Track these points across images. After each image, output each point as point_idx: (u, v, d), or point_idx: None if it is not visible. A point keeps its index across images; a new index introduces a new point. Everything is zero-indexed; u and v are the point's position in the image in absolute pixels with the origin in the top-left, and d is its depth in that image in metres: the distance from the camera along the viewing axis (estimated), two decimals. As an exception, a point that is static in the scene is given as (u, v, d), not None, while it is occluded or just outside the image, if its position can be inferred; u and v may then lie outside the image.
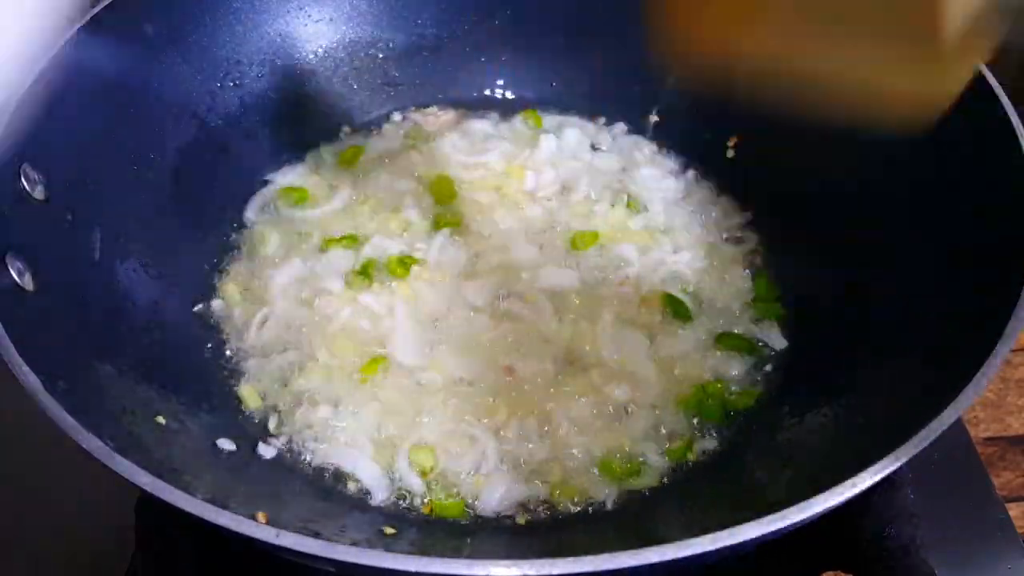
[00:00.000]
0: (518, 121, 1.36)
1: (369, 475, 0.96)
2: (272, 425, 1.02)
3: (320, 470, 0.98)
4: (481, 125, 1.35)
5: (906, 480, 0.87)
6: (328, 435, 1.00)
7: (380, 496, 0.95)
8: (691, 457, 0.99)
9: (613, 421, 1.00)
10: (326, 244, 1.19)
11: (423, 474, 0.96)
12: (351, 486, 0.96)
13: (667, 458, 0.98)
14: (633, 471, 0.96)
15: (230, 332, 1.11)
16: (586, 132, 1.35)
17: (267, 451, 0.99)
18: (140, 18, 1.11)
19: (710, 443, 1.00)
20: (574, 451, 0.97)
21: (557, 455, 0.97)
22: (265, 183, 1.28)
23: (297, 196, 1.26)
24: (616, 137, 1.35)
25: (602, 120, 1.37)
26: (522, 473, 0.96)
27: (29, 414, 0.70)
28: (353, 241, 1.19)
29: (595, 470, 0.96)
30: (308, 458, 0.98)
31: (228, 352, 1.09)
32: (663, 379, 1.04)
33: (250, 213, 1.24)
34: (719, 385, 1.04)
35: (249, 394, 1.04)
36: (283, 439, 1.00)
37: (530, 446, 0.98)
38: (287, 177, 1.29)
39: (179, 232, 1.15)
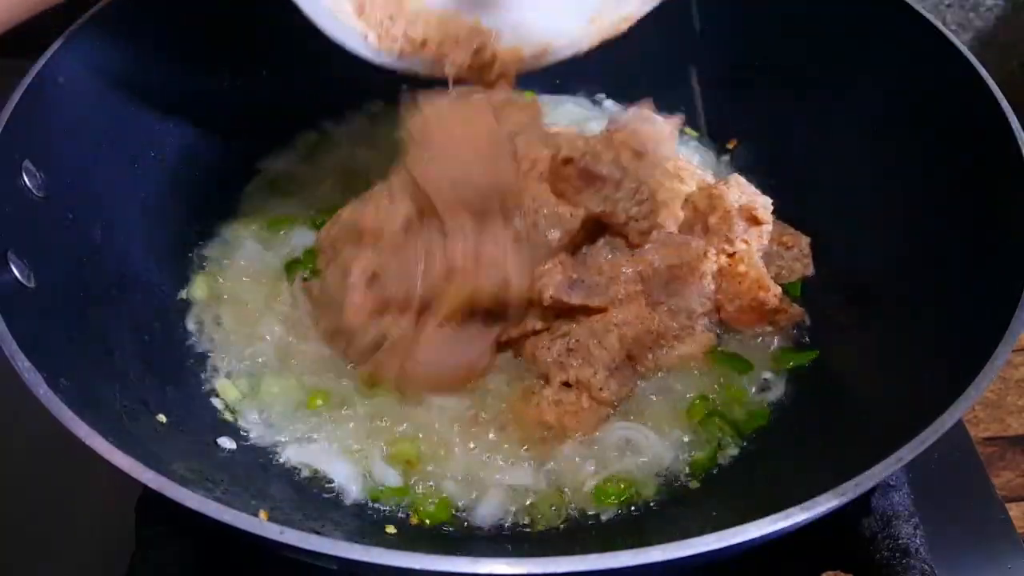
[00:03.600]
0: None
1: (345, 476, 0.95)
2: (252, 423, 1.00)
3: (310, 472, 0.96)
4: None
5: (906, 480, 0.87)
6: (305, 436, 0.98)
7: (353, 495, 0.94)
8: (713, 463, 0.98)
9: (619, 438, 0.99)
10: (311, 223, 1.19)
11: (409, 464, 0.95)
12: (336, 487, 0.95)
13: (674, 470, 0.97)
14: (631, 488, 0.95)
15: (207, 326, 1.09)
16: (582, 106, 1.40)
17: (264, 452, 0.98)
18: (141, 18, 1.11)
19: (723, 450, 0.99)
20: (576, 462, 0.96)
21: (550, 467, 0.96)
22: (257, 171, 1.28)
23: (285, 184, 1.26)
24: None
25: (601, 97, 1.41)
26: (513, 483, 0.95)
27: (29, 413, 0.70)
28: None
29: (592, 489, 0.95)
30: (288, 459, 0.96)
31: (211, 348, 1.07)
32: (667, 398, 1.03)
33: (244, 204, 1.24)
34: (729, 404, 1.02)
35: (227, 391, 1.02)
36: (266, 437, 0.98)
37: (528, 460, 0.97)
38: (277, 164, 1.29)
39: (179, 229, 1.15)
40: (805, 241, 1.13)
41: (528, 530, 0.92)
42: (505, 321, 0.99)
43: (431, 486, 0.95)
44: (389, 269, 0.97)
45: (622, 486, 0.95)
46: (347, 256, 0.99)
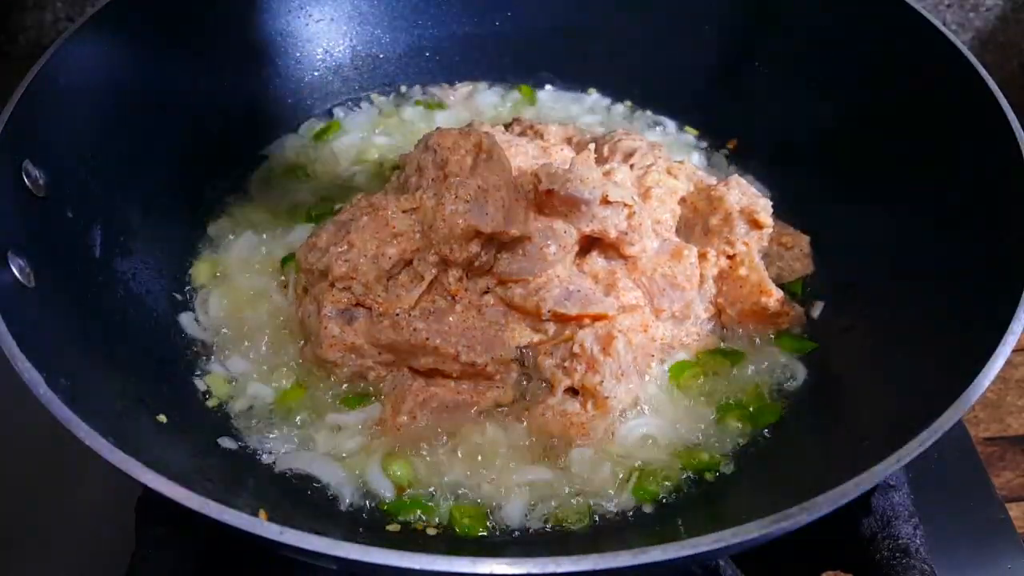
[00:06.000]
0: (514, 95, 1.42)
1: (336, 480, 0.94)
2: (250, 423, 0.99)
3: (308, 477, 0.95)
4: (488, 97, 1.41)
5: (906, 480, 0.87)
6: (304, 439, 0.97)
7: (349, 502, 0.93)
8: (722, 463, 0.97)
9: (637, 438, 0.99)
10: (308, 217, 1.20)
11: (400, 490, 0.94)
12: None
13: (688, 471, 0.97)
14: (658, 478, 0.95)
15: (207, 326, 1.08)
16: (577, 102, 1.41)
17: (263, 453, 0.97)
18: (140, 17, 1.11)
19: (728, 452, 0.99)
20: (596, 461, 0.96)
21: (571, 467, 0.96)
22: (264, 158, 1.29)
23: (292, 169, 1.27)
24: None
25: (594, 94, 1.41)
26: (534, 484, 0.94)
27: (29, 413, 0.70)
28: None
29: (618, 483, 0.95)
30: (286, 462, 0.95)
31: (211, 349, 1.06)
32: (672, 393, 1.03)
33: (248, 194, 1.24)
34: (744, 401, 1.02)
35: (226, 391, 1.02)
36: (265, 437, 0.98)
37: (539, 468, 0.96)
38: (284, 151, 1.30)
39: (179, 228, 1.15)
40: (805, 240, 1.13)
41: (558, 531, 0.91)
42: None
43: (452, 496, 0.94)
44: (372, 316, 0.97)
45: (650, 478, 0.95)
46: (319, 289, 0.99)
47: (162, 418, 0.88)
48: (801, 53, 1.21)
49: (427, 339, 0.94)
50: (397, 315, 0.95)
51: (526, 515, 0.92)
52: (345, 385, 1.02)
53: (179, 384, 1.01)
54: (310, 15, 1.34)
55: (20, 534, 1.01)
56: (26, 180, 0.89)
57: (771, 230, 1.09)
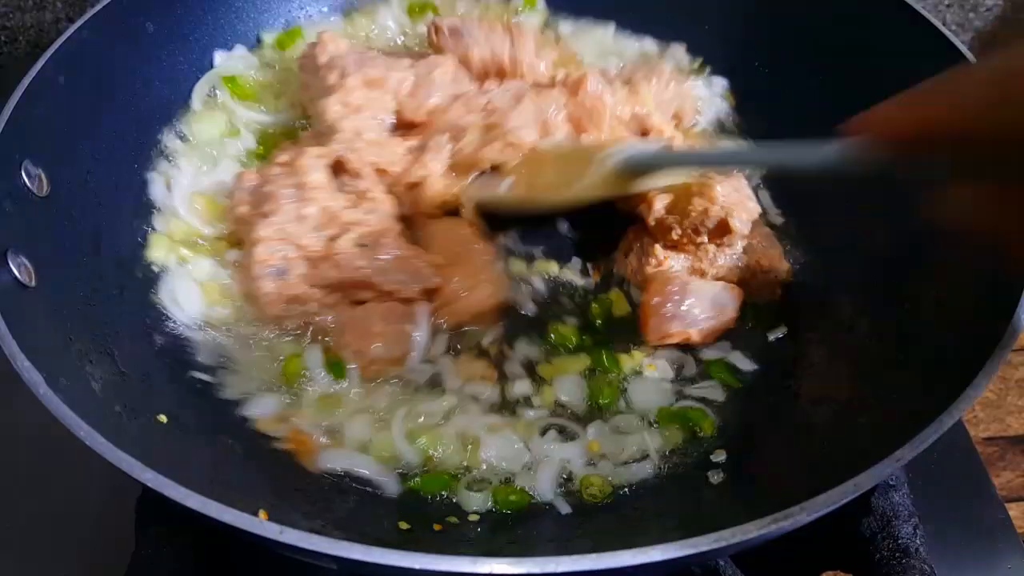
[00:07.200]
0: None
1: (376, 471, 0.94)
2: (253, 422, 0.98)
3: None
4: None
5: (906, 480, 0.87)
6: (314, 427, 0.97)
7: (391, 489, 0.93)
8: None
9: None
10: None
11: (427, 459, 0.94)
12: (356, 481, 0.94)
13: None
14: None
15: (207, 326, 1.06)
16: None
17: (264, 451, 0.97)
18: (141, 16, 1.11)
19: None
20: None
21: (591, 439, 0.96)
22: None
23: (241, 90, 1.22)
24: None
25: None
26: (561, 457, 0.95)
27: (29, 412, 0.70)
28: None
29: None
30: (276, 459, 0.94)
31: (210, 347, 1.04)
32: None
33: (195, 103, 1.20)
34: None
35: (228, 388, 1.00)
36: (266, 435, 0.97)
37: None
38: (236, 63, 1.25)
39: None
40: (783, 269, 1.10)
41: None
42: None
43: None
44: (312, 263, 0.99)
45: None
46: (245, 253, 1.01)
47: (162, 418, 0.89)
48: (800, 53, 1.21)
49: (369, 276, 0.99)
50: (336, 255, 0.98)
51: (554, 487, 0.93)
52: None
53: (179, 383, 1.01)
54: (310, 16, 1.34)
55: (20, 534, 1.01)
56: (26, 180, 0.89)
57: (744, 236, 1.07)
